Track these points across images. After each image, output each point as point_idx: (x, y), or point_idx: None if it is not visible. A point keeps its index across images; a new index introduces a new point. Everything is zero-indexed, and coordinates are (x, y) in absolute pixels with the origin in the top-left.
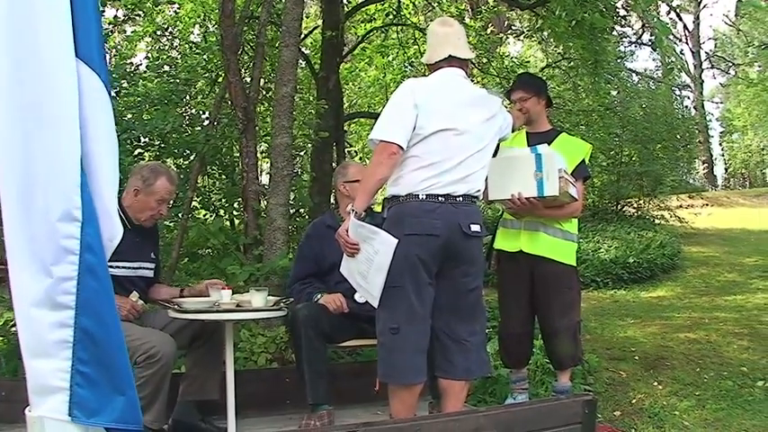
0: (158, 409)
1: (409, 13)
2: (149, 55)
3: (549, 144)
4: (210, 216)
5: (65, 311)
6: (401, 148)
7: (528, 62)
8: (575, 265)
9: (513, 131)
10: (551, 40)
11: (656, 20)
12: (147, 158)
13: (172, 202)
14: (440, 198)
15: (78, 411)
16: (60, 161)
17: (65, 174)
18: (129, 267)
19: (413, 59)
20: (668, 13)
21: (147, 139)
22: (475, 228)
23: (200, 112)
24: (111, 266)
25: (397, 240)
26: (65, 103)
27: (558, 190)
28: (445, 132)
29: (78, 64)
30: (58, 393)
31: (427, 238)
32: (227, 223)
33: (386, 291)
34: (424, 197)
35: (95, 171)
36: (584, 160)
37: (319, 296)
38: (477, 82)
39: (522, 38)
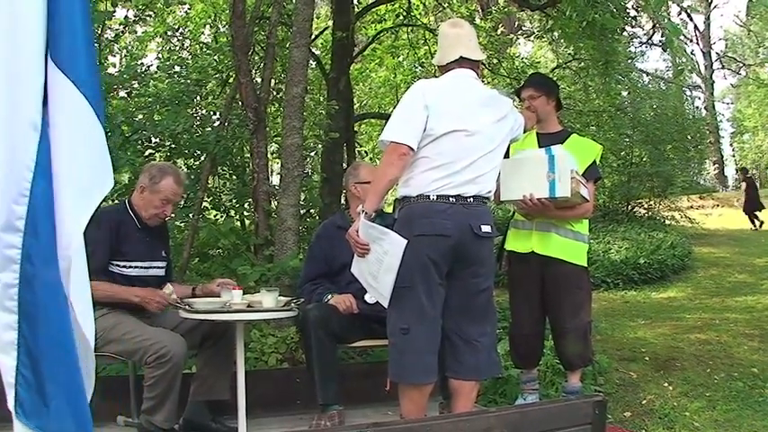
0: (169, 408)
1: (419, 13)
2: (160, 55)
3: (560, 145)
4: (221, 216)
5: (11, 315)
6: (411, 149)
7: (538, 63)
8: (585, 265)
9: (524, 132)
10: (562, 40)
11: (666, 20)
12: (157, 159)
13: (182, 203)
14: (451, 199)
15: (20, 410)
16: (8, 168)
17: (10, 182)
18: (142, 267)
19: (423, 60)
20: (679, 13)
21: (157, 140)
22: (486, 228)
23: (211, 113)
24: (124, 266)
25: (406, 241)
26: (25, 109)
27: (569, 191)
28: (456, 133)
29: (52, 70)
30: (10, 389)
31: (438, 239)
32: (238, 224)
33: (397, 291)
34: (435, 198)
35: (62, 180)
36: (595, 161)
37: (330, 296)
38: (488, 83)
39: (532, 38)
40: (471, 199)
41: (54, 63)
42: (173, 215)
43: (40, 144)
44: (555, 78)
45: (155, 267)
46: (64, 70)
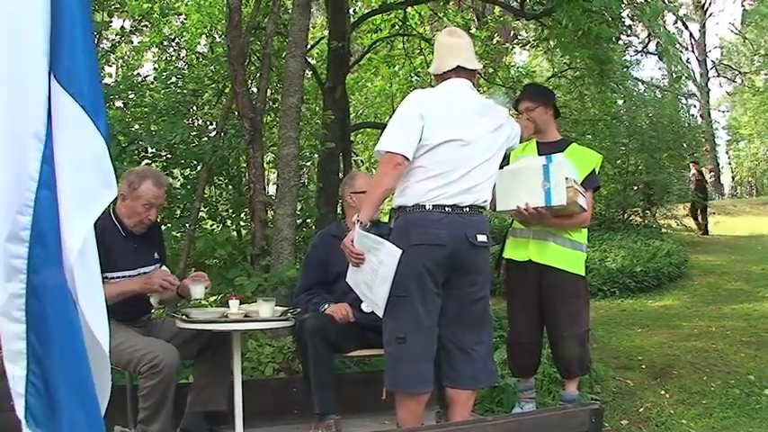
0: (164, 418)
1: (415, 23)
2: (156, 66)
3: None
4: (217, 226)
5: (18, 325)
6: (406, 158)
7: (534, 72)
8: (583, 274)
9: (521, 142)
10: (557, 49)
11: (662, 29)
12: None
13: (179, 213)
14: (446, 208)
15: (30, 419)
16: (12, 179)
17: (14, 192)
18: (129, 276)
19: (419, 69)
20: (675, 22)
21: (154, 150)
22: (481, 238)
23: (208, 123)
24: (113, 277)
25: (401, 251)
26: (29, 120)
27: (565, 199)
28: (452, 143)
29: (53, 83)
30: (19, 399)
31: (433, 248)
32: (234, 234)
33: (392, 300)
34: (431, 207)
35: (63, 191)
36: (594, 170)
37: (326, 306)
38: (484, 92)
39: (528, 47)
40: (467, 208)
41: (54, 76)
42: (158, 218)
43: (44, 153)
44: (551, 87)
45: (145, 273)
46: (62, 83)
